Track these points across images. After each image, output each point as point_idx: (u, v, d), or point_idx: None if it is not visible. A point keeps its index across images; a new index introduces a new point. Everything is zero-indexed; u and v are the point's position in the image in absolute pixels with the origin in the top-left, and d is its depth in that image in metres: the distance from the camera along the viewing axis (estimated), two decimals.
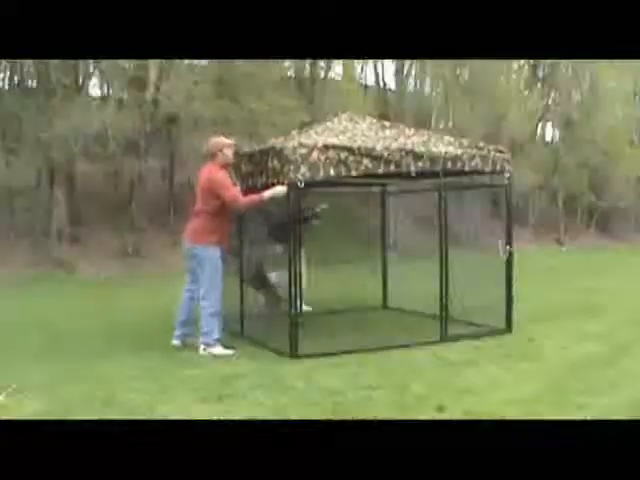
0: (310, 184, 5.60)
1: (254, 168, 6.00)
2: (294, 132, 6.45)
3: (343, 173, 5.57)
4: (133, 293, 7.29)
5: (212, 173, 5.71)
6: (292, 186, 5.41)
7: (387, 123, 6.80)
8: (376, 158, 5.69)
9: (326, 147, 5.49)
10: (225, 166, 5.82)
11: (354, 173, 5.62)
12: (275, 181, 5.58)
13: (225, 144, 5.82)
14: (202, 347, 5.69)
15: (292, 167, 5.38)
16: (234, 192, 5.69)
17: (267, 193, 5.55)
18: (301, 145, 5.44)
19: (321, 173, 5.47)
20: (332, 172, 5.52)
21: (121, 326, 7.13)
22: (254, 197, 5.66)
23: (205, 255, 5.71)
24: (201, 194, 5.79)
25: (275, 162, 5.60)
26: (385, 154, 5.73)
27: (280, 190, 5.47)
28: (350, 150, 5.60)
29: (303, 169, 5.40)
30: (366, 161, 5.65)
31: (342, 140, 5.73)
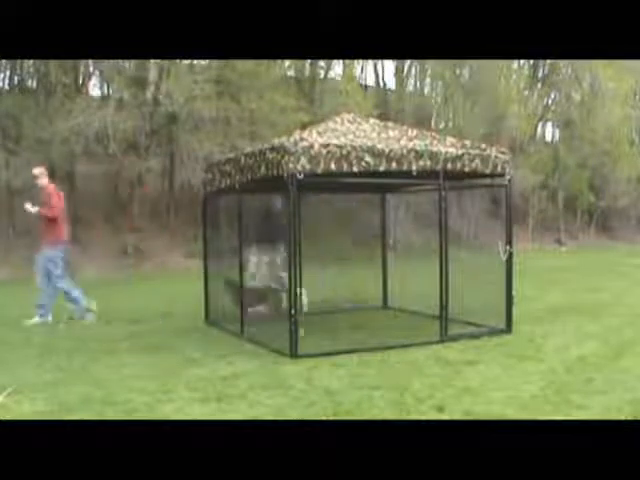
0: (310, 176, 5.53)
1: (254, 162, 5.95)
2: (297, 132, 6.42)
3: (344, 168, 5.51)
4: (132, 293, 7.28)
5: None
6: (292, 177, 5.33)
7: (390, 124, 6.78)
8: (378, 155, 5.66)
9: (327, 145, 5.47)
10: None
11: (355, 169, 5.56)
12: (275, 172, 5.52)
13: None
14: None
15: (292, 158, 5.31)
16: None
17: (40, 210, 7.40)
18: (302, 139, 5.42)
19: (321, 166, 5.40)
20: (333, 166, 5.45)
21: (120, 326, 7.13)
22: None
23: None
24: (58, 206, 7.34)
25: (275, 154, 5.52)
26: (387, 150, 5.71)
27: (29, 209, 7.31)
28: (352, 146, 5.56)
29: (303, 160, 5.33)
30: (368, 157, 5.60)
31: (344, 142, 5.68)
